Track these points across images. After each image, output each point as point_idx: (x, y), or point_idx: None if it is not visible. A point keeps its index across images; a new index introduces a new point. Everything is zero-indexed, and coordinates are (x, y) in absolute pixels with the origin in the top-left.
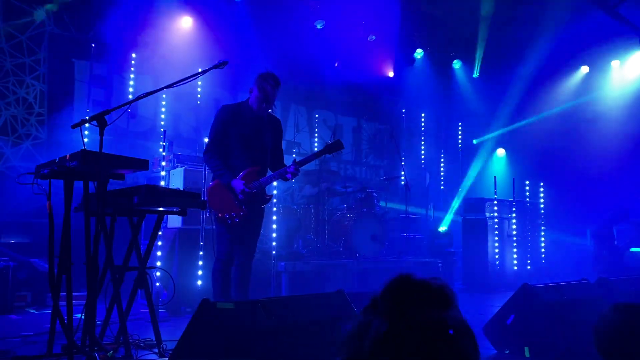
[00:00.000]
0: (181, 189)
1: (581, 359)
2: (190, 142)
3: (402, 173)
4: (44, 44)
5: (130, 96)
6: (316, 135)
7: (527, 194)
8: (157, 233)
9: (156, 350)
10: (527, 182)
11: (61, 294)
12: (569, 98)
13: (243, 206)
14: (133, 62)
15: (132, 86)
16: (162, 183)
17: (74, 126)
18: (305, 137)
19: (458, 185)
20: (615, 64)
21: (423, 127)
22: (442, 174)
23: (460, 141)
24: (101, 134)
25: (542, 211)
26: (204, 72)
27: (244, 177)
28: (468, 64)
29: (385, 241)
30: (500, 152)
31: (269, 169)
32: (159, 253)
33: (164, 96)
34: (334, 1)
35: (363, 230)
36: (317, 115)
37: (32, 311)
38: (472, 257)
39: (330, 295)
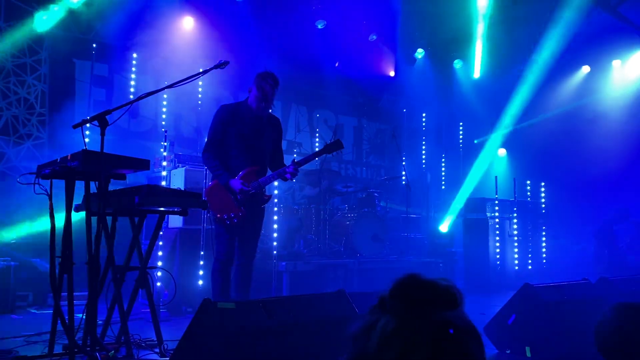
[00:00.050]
0: (182, 189)
1: (582, 358)
2: (191, 142)
3: (403, 173)
4: (45, 44)
5: (131, 96)
6: (317, 135)
7: (528, 193)
8: (158, 233)
9: (157, 350)
10: (528, 182)
11: (62, 293)
12: (570, 98)
13: (242, 207)
14: (134, 62)
15: (133, 86)
16: (163, 183)
17: (75, 126)
18: (306, 137)
19: (459, 185)
20: (616, 63)
21: (424, 127)
22: (443, 173)
23: (461, 141)
24: (102, 134)
25: (543, 211)
26: (205, 72)
27: (243, 177)
28: (469, 63)
29: (386, 241)
30: (502, 152)
31: (268, 169)
32: (160, 253)
33: (165, 96)
34: (335, 1)
35: (364, 230)
36: (318, 115)
37: (33, 311)
38: (473, 257)
39: (331, 295)
